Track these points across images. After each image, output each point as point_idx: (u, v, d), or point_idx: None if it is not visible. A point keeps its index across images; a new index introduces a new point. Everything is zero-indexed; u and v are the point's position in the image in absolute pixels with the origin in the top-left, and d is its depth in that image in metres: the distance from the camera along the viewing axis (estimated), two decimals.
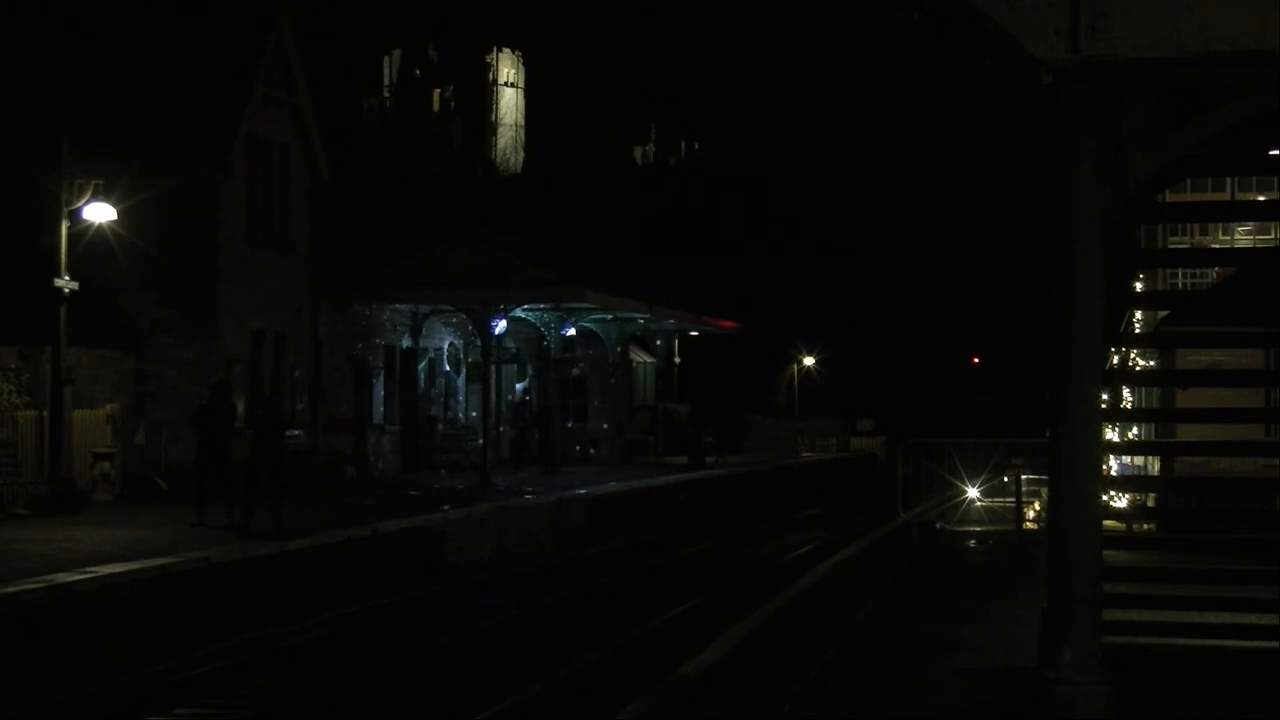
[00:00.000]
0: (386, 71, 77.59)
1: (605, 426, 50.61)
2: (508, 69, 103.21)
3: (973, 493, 33.15)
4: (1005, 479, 35.53)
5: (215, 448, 24.84)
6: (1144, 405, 29.14)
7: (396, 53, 78.32)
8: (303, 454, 34.72)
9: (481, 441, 39.76)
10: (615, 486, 37.62)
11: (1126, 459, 27.93)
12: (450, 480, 37.83)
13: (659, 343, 53.45)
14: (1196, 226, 31.58)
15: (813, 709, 12.39)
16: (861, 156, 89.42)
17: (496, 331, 40.60)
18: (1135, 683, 11.82)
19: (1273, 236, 29.99)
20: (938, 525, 31.27)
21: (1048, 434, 11.50)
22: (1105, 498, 13.89)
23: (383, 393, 41.32)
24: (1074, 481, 11.34)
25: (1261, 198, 27.98)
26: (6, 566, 18.93)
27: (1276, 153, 12.97)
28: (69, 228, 26.95)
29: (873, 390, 77.66)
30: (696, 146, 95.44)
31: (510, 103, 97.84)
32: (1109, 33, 11.00)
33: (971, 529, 29.48)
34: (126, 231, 29.45)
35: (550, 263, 41.99)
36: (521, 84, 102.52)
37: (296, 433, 34.77)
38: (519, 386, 48.38)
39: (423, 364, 42.95)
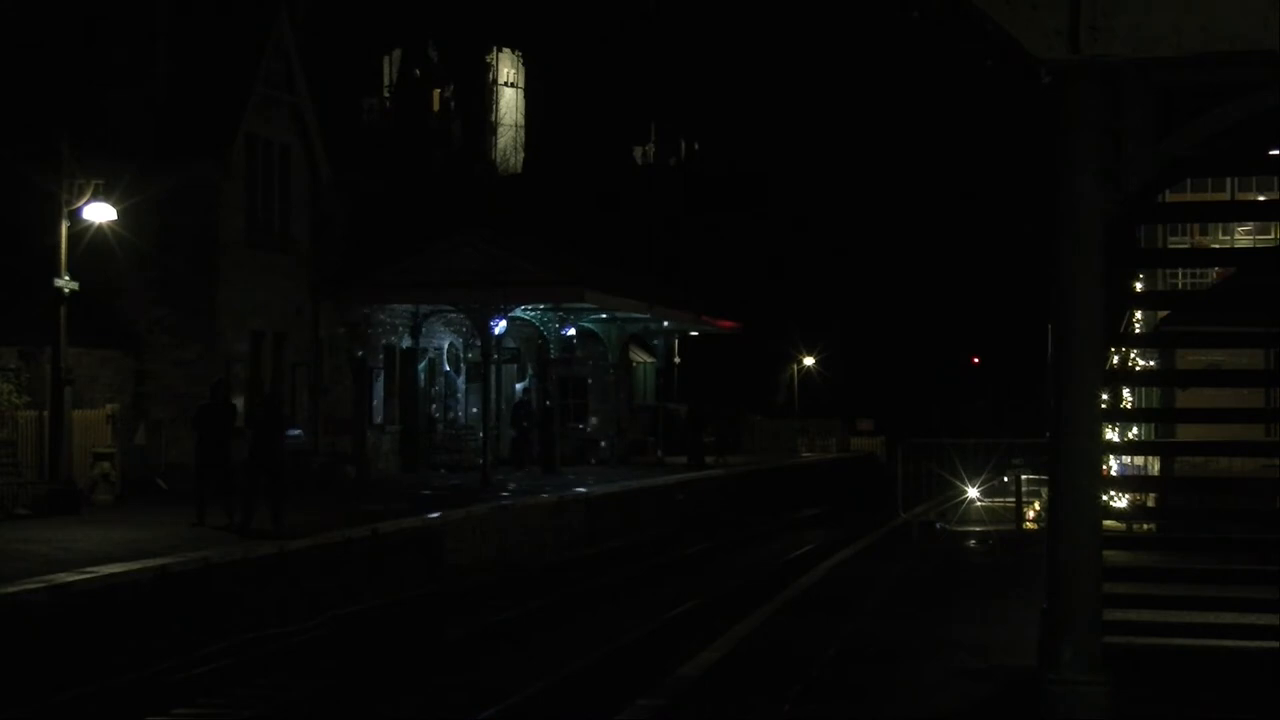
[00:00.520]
0: (386, 71, 77.55)
1: (605, 426, 50.60)
2: (508, 69, 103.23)
3: (973, 493, 33.15)
4: (1005, 479, 35.53)
5: (215, 448, 24.82)
6: (1144, 405, 29.13)
7: (396, 53, 78.28)
8: (303, 454, 34.71)
9: (481, 441, 39.75)
10: (615, 486, 37.61)
11: (1126, 459, 27.93)
12: (450, 480, 37.83)
13: (659, 343, 53.44)
14: (1196, 226, 31.54)
15: (813, 709, 12.40)
16: (861, 156, 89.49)
17: (496, 331, 40.58)
18: (1135, 683, 11.82)
19: (1273, 236, 29.97)
20: (938, 525, 31.27)
21: (1048, 434, 11.50)
22: (1105, 498, 13.89)
23: (383, 393, 41.31)
24: (1074, 481, 11.35)
25: (1261, 198, 27.95)
26: (6, 566, 18.93)
27: (1276, 153, 12.97)
28: (69, 228, 26.94)
29: (873, 390, 77.65)
30: (696, 146, 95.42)
31: (510, 103, 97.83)
32: (1109, 33, 11.00)
33: (971, 529, 29.48)
34: (126, 231, 29.43)
35: (550, 263, 41.97)
36: (521, 84, 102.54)
37: (296, 433, 34.76)
38: (519, 386, 48.38)
39: (423, 364, 42.95)
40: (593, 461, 48.29)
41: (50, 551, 20.76)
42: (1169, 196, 18.41)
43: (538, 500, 32.83)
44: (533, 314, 42.97)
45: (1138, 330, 26.68)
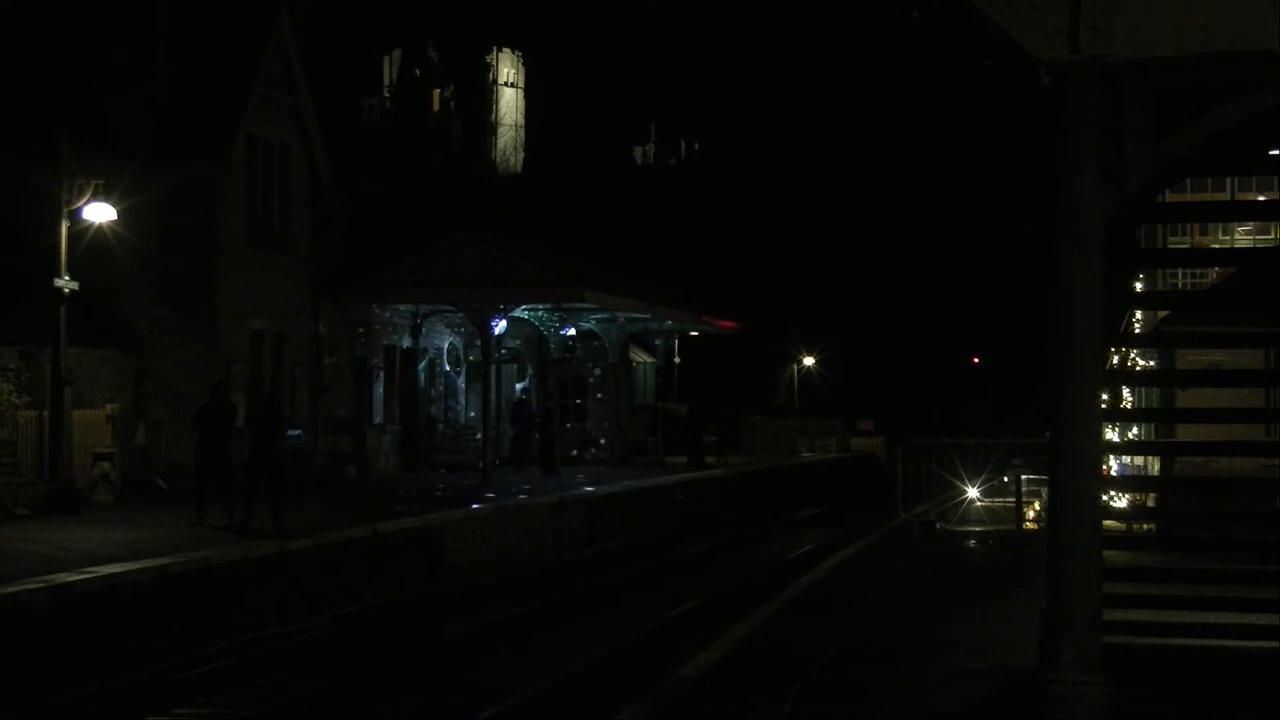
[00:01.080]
0: (386, 71, 77.51)
1: (605, 426, 50.59)
2: (508, 69, 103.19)
3: (973, 493, 33.15)
4: (1005, 479, 35.53)
5: (215, 448, 24.82)
6: (1144, 405, 29.13)
7: (396, 53, 78.25)
8: (303, 454, 34.71)
9: (481, 441, 39.75)
10: (615, 486, 37.61)
11: (1126, 459, 27.93)
12: (450, 480, 37.82)
13: (659, 343, 53.44)
14: (1196, 226, 31.53)
15: (813, 709, 12.40)
16: (861, 156, 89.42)
17: (496, 331, 40.58)
18: (1135, 683, 11.82)
19: (1273, 236, 29.97)
20: (938, 525, 31.27)
21: (1048, 434, 11.50)
22: (1105, 498, 13.89)
23: (383, 393, 41.31)
24: (1074, 481, 11.34)
25: (1261, 198, 27.95)
26: (6, 566, 18.93)
27: (1276, 153, 12.97)
28: (69, 228, 26.94)
29: (873, 390, 77.66)
30: (696, 146, 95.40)
31: (510, 103, 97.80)
32: (1109, 33, 11.00)
33: (971, 529, 29.48)
34: (126, 231, 29.43)
35: (550, 263, 41.97)
36: (521, 84, 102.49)
37: (296, 433, 34.76)
38: (519, 386, 48.37)
39: (423, 364, 42.95)
40: (592, 460, 48.28)
41: (50, 551, 20.76)
42: (1169, 196, 18.41)
43: (538, 500, 32.83)
44: (533, 314, 42.96)
45: (1138, 330, 26.67)
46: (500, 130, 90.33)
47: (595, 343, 49.67)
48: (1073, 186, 11.22)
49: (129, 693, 16.83)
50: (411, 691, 17.90)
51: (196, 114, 34.27)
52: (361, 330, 39.98)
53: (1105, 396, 13.33)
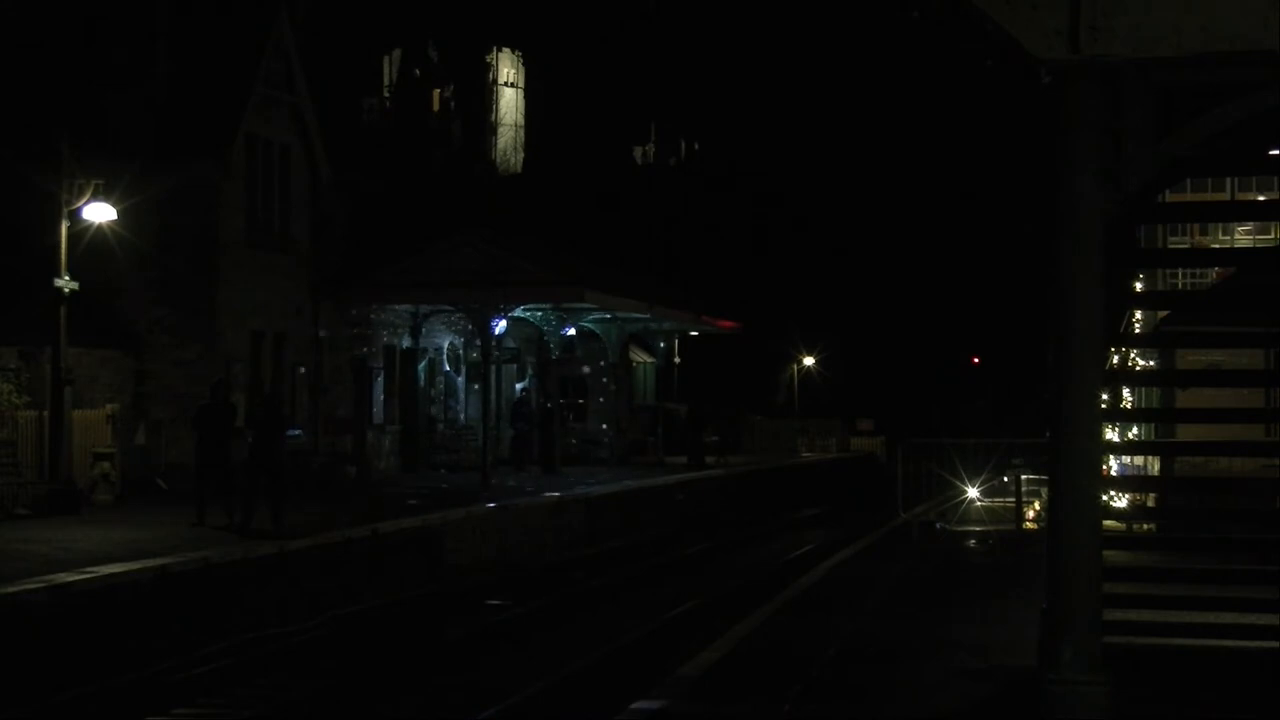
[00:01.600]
0: (386, 71, 77.45)
1: (605, 426, 50.60)
2: (508, 69, 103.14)
3: (973, 493, 33.14)
4: (1005, 479, 35.53)
5: (215, 448, 24.82)
6: (1144, 405, 29.13)
7: (396, 53, 78.21)
8: (303, 454, 34.71)
9: (482, 441, 39.74)
10: (615, 486, 37.61)
11: (1126, 459, 27.93)
12: (450, 480, 37.82)
13: (659, 343, 53.43)
14: (1196, 226, 31.53)
15: (813, 709, 12.40)
16: (861, 156, 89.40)
17: (496, 331, 40.58)
18: (1135, 683, 11.82)
19: (1273, 236, 29.97)
20: (938, 525, 31.27)
21: (1048, 434, 11.50)
22: (1105, 498, 13.89)
23: (383, 393, 41.30)
24: (1074, 481, 11.35)
25: (1261, 198, 27.94)
26: (6, 566, 18.93)
27: (1276, 153, 12.97)
28: (69, 228, 26.94)
29: (873, 390, 77.64)
30: (696, 146, 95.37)
31: (510, 103, 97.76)
32: (1109, 33, 11.00)
33: (971, 529, 29.48)
34: (126, 231, 29.43)
35: (550, 263, 41.97)
36: (521, 84, 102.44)
37: (296, 433, 34.77)
38: (519, 386, 48.37)
39: (423, 364, 42.94)
40: (592, 460, 48.28)
41: (50, 551, 20.76)
42: (1169, 196, 18.41)
43: (538, 500, 32.83)
44: (533, 314, 42.97)
45: (1138, 330, 26.67)
46: (500, 130, 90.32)
47: (595, 343, 49.67)
48: (1073, 186, 11.22)
49: (129, 693, 16.83)
50: (411, 691, 17.90)
51: (196, 114, 34.26)
52: (362, 329, 39.95)
53: (1105, 396, 13.33)
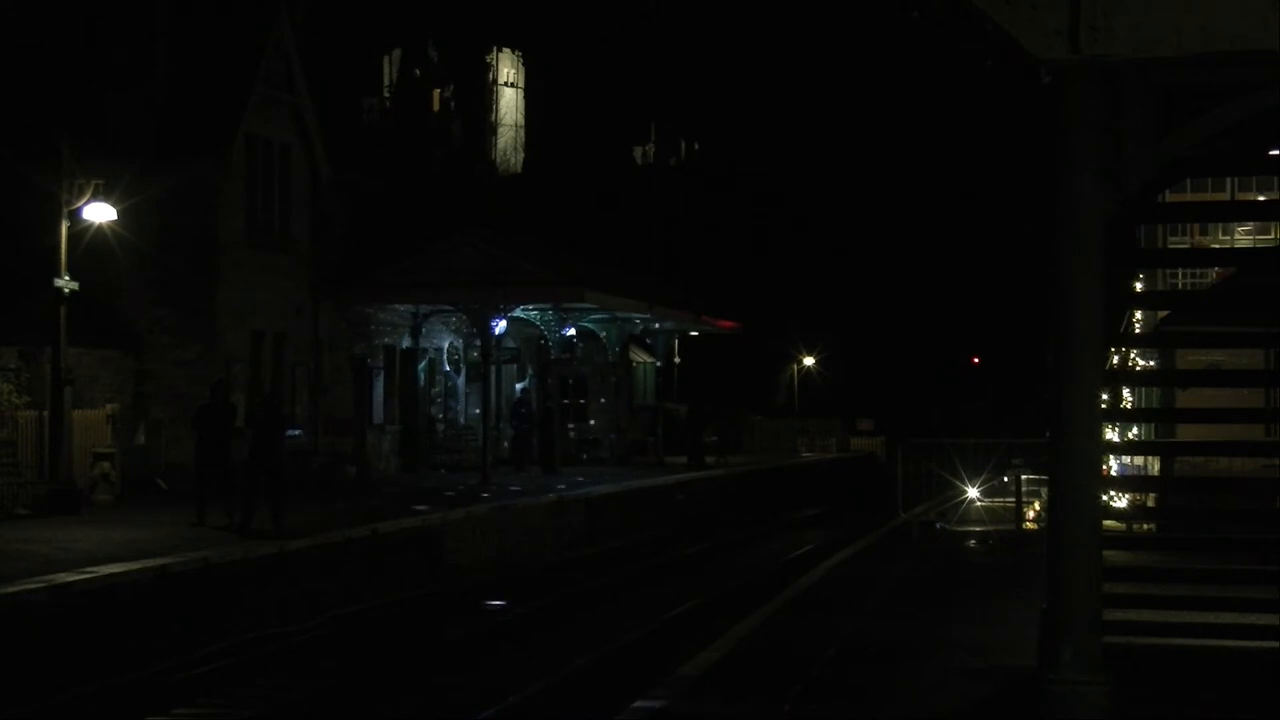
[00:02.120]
0: (386, 71, 77.50)
1: (605, 426, 50.61)
2: (508, 69, 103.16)
3: (973, 493, 33.15)
4: (1005, 479, 35.54)
5: (215, 448, 24.82)
6: (1144, 405, 29.13)
7: (396, 53, 78.24)
8: (303, 454, 34.71)
9: (482, 441, 39.74)
10: (615, 486, 37.61)
11: (1126, 459, 27.93)
12: (450, 480, 37.82)
13: (659, 343, 53.44)
14: (1196, 226, 31.54)
15: (813, 709, 12.40)
16: (861, 156, 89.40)
17: (496, 331, 40.58)
18: (1135, 683, 11.82)
19: (1273, 236, 29.98)
20: (938, 525, 31.27)
21: (1048, 434, 11.50)
22: (1105, 498, 13.89)
23: (383, 393, 41.30)
24: (1074, 481, 11.34)
25: (1261, 198, 27.95)
26: (6, 566, 18.93)
27: (1276, 153, 12.97)
28: (69, 228, 26.94)
29: (873, 390, 77.63)
30: (696, 146, 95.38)
31: (510, 103, 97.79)
32: (1109, 33, 11.00)
33: (971, 529, 29.48)
34: (126, 231, 29.43)
35: (550, 263, 41.97)
36: (521, 84, 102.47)
37: (296, 433, 34.77)
38: (519, 386, 48.37)
39: (423, 364, 42.94)
40: (592, 460, 48.28)
41: (50, 551, 20.76)
42: (1169, 196, 18.41)
43: (538, 500, 32.83)
44: (533, 314, 42.97)
45: (1138, 330, 26.67)
46: (500, 130, 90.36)
47: (595, 343, 49.67)
48: (1073, 186, 11.22)
49: (129, 693, 16.83)
50: (411, 691, 17.90)
51: (196, 114, 34.26)
52: (362, 329, 39.96)
53: (1105, 396, 13.32)
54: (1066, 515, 11.36)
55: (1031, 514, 29.64)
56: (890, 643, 15.55)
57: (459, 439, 44.19)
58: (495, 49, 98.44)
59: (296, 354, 36.95)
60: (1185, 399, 24.49)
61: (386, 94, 74.04)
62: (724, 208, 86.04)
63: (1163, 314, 26.45)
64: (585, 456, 48.82)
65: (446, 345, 44.67)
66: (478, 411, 42.97)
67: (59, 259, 26.74)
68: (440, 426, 43.89)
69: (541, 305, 41.75)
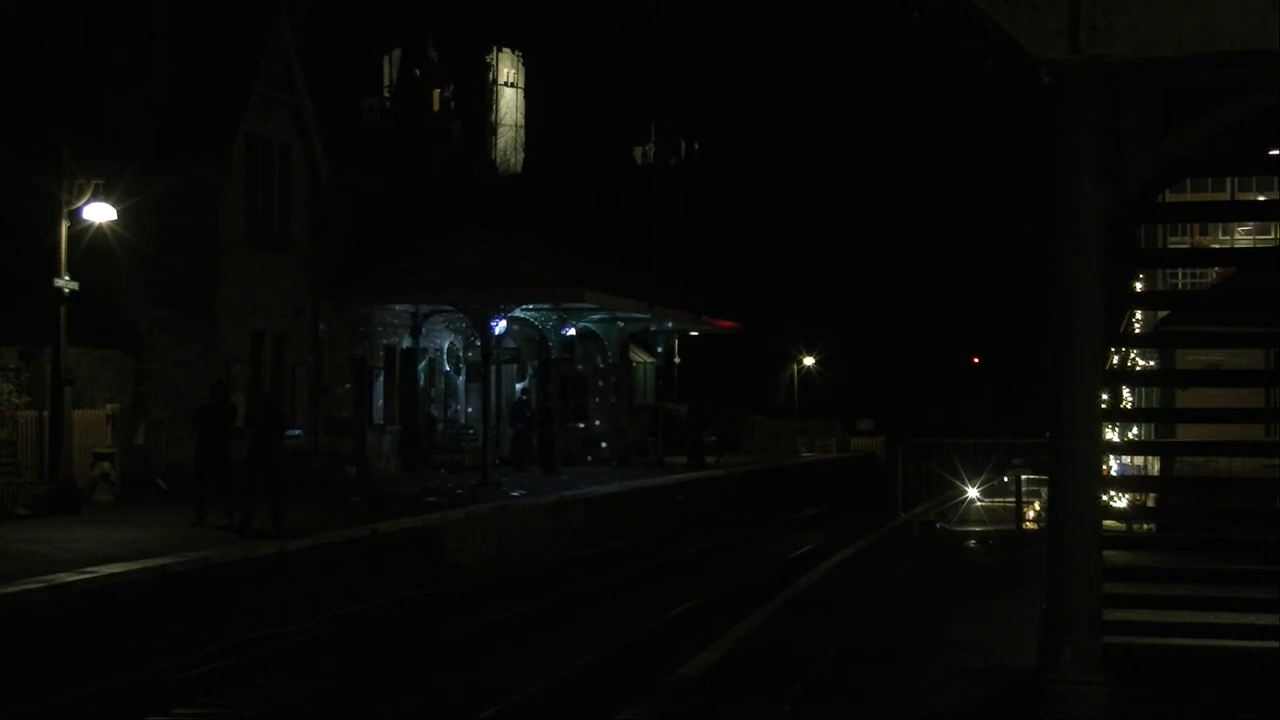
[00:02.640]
0: (386, 71, 77.46)
1: (605, 426, 50.60)
2: (508, 69, 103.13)
3: (973, 493, 33.15)
4: (1005, 479, 35.54)
5: (215, 448, 24.82)
6: (1144, 405, 29.13)
7: (396, 53, 78.21)
8: (303, 454, 34.71)
9: (482, 441, 39.74)
10: (615, 486, 37.61)
11: (1126, 459, 27.93)
12: (450, 480, 37.81)
13: (659, 343, 53.45)
14: (1196, 226, 31.54)
15: (813, 709, 12.40)
16: (861, 156, 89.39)
17: (496, 331, 40.57)
18: (1135, 683, 11.82)
19: (1273, 236, 29.98)
20: (938, 525, 31.27)
21: (1048, 434, 11.50)
22: (1105, 498, 13.89)
23: (383, 393, 41.31)
24: (1074, 481, 11.34)
25: (1261, 198, 27.95)
26: (6, 566, 18.93)
27: (1276, 153, 12.97)
28: (69, 228, 26.94)
29: (873, 390, 77.63)
30: (696, 146, 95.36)
31: (510, 103, 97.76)
32: (1109, 33, 11.00)
33: (971, 529, 29.48)
34: (126, 231, 29.43)
35: (550, 263, 41.96)
36: (521, 84, 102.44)
37: (296, 433, 34.77)
38: (519, 386, 48.37)
39: (423, 364, 42.95)
40: (592, 460, 48.27)
41: (50, 551, 20.76)
42: (1169, 196, 18.41)
43: (538, 500, 32.82)
44: (533, 314, 42.97)
45: (1138, 330, 26.68)
46: (500, 130, 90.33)
47: (595, 343, 49.67)
48: (1073, 186, 11.22)
49: (129, 693, 16.83)
50: (411, 691, 17.90)
51: (196, 114, 34.26)
52: (362, 329, 39.95)
53: (1105, 396, 13.33)
54: (1066, 515, 11.36)
55: (1031, 514, 29.64)
56: (890, 643, 15.55)
57: (459, 439, 44.19)
58: (495, 49, 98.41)
59: (296, 354, 36.95)
60: (1185, 399, 24.49)
61: (386, 94, 74.03)
62: (724, 208, 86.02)
63: (1163, 314, 26.46)
64: (585, 457, 48.82)
65: (446, 345, 44.67)
66: (477, 412, 42.98)
67: (59, 259, 26.74)
68: (440, 426, 43.89)
69: (541, 305, 41.75)
